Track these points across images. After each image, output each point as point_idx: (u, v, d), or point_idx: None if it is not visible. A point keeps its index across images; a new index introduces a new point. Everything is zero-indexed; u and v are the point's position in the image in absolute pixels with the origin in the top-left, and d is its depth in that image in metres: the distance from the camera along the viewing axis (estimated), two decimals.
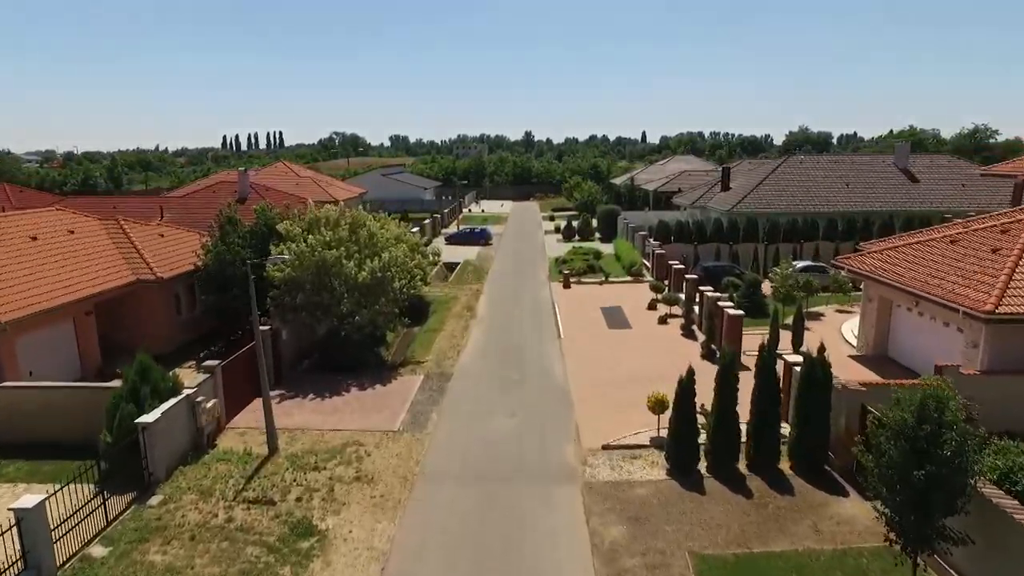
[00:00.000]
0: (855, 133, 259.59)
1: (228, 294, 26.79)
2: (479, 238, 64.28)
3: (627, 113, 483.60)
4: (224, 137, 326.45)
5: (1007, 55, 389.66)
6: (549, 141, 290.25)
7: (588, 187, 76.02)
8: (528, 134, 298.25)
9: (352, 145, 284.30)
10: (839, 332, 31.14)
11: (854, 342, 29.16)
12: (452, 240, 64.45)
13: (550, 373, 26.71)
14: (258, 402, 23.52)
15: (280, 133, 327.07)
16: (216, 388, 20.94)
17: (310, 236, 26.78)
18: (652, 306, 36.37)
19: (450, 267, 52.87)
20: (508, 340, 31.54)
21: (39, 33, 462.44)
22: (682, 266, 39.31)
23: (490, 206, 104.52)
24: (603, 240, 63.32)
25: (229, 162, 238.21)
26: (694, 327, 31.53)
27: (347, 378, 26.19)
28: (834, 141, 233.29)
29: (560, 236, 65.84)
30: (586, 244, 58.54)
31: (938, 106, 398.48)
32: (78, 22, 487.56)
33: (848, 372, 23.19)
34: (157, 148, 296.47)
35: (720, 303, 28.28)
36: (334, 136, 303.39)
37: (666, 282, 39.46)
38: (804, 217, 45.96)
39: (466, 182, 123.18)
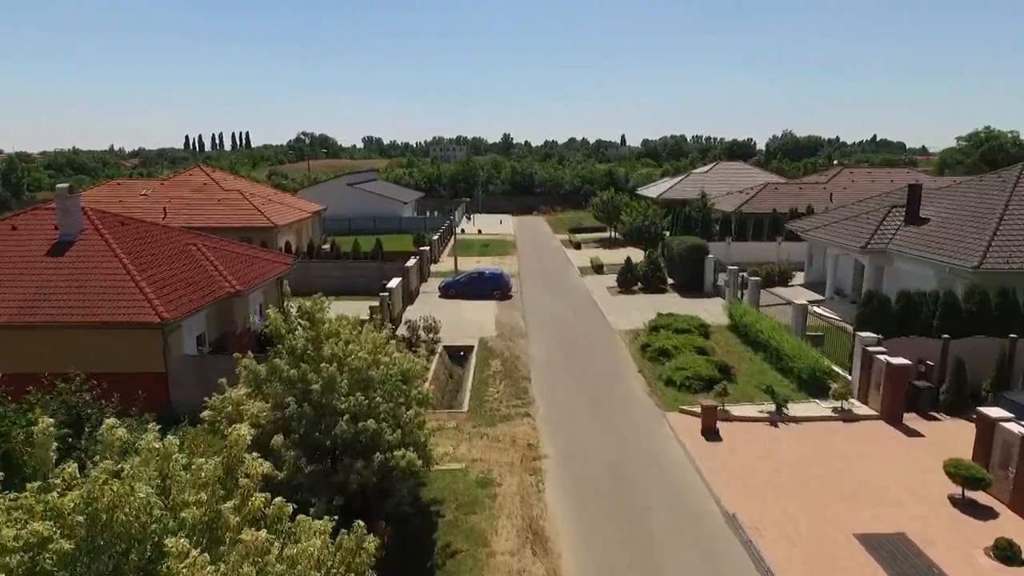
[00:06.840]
0: (838, 138, 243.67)
1: None
2: (492, 288, 40.61)
3: (604, 115, 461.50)
4: (187, 137, 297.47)
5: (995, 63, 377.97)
6: (528, 144, 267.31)
7: (643, 206, 52.29)
8: (507, 136, 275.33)
9: (321, 146, 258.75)
10: None
11: None
12: (450, 291, 40.86)
13: None
14: None
15: (246, 133, 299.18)
16: None
17: None
18: (1005, 552, 14.43)
19: (455, 355, 30.41)
20: None
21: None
22: (1012, 422, 17.29)
23: (486, 223, 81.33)
24: (681, 292, 41.35)
25: (187, 163, 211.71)
26: None
27: None
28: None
29: (615, 285, 42.88)
30: (675, 308, 36.35)
31: (933, 108, 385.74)
32: (33, 18, 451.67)
33: None
34: (111, 148, 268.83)
35: None
36: (303, 137, 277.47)
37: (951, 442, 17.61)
38: None
39: (467, 197, 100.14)
